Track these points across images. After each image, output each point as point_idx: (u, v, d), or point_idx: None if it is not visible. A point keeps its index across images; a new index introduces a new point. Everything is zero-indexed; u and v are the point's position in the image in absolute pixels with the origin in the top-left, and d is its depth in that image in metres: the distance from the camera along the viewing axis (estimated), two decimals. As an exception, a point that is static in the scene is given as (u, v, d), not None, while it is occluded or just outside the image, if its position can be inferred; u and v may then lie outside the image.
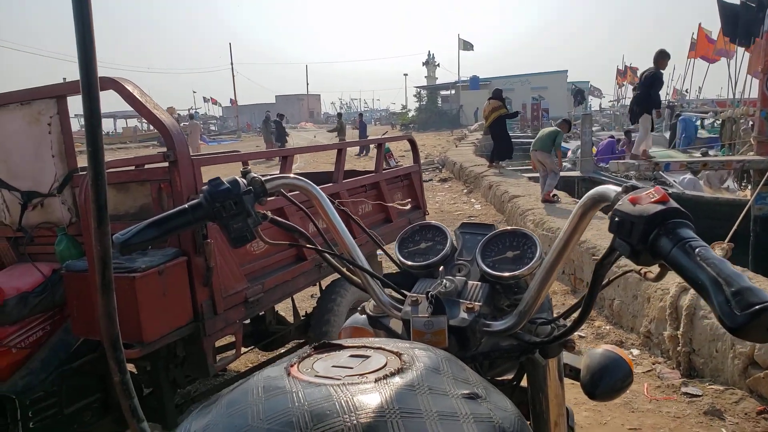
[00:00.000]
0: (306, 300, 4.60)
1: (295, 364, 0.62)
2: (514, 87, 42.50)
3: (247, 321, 3.07)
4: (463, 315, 0.87)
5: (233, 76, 52.97)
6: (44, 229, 2.48)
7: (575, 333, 0.88)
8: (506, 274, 0.93)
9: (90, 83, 0.56)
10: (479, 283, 0.95)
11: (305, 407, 0.51)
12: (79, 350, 2.34)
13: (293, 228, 1.08)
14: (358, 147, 18.80)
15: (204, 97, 67.90)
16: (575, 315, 0.85)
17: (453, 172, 13.08)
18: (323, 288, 3.33)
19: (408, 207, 3.94)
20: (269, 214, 1.04)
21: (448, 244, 1.05)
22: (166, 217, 0.91)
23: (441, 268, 1.02)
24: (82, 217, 2.31)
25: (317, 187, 1.11)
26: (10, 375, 2.14)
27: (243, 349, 2.92)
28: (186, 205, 0.92)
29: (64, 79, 4.14)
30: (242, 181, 0.97)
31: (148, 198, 2.34)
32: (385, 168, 4.01)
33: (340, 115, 24.89)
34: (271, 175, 1.07)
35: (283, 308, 3.63)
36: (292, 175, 1.11)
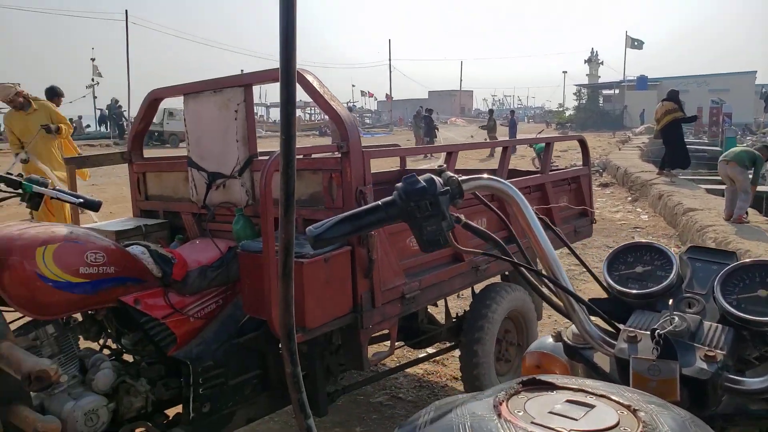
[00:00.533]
0: (452, 300, 4.49)
1: (503, 401, 0.54)
2: (688, 88, 38.44)
3: (399, 316, 3.04)
4: (701, 364, 0.71)
5: (390, 71, 54.52)
6: (224, 209, 2.65)
7: None
8: None
9: (289, 72, 0.56)
10: (719, 325, 0.78)
11: None
12: (244, 326, 2.46)
13: (488, 236, 0.97)
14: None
15: (362, 91, 70.57)
16: None
17: (615, 177, 12.14)
18: (476, 292, 3.20)
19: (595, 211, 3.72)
20: (462, 217, 0.94)
21: (673, 272, 0.88)
22: (360, 213, 0.86)
23: (671, 301, 0.86)
24: (260, 201, 2.42)
25: (518, 191, 0.99)
26: (187, 342, 2.30)
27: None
28: (380, 202, 0.87)
29: (242, 70, 4.50)
30: (438, 180, 0.89)
31: (319, 186, 2.39)
32: (552, 169, 3.75)
33: (491, 111, 24.00)
34: (470, 176, 0.98)
35: (432, 307, 3.56)
36: (487, 176, 1.01)
